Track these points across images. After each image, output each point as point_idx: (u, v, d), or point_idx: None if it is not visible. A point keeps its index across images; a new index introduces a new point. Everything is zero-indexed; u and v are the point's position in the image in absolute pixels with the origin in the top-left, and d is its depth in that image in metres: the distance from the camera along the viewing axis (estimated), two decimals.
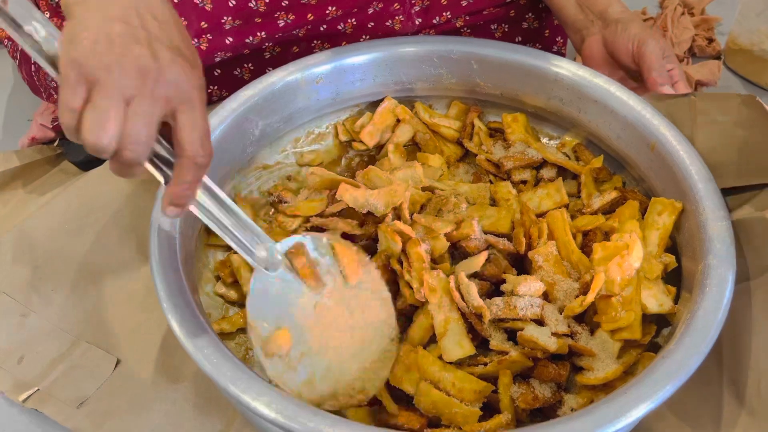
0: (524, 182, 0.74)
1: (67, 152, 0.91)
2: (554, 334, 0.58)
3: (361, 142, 0.79)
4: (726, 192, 0.62)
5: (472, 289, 0.59)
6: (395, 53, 0.77)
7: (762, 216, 0.59)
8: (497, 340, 0.59)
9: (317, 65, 0.75)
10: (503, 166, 0.74)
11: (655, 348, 0.61)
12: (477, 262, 0.62)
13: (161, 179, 0.50)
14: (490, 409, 0.59)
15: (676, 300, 0.62)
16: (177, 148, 0.48)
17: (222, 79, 0.81)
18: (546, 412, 0.59)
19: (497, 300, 0.60)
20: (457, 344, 0.58)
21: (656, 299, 0.59)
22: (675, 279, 0.64)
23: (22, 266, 0.76)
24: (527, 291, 0.59)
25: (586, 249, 0.64)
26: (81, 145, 0.85)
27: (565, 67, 0.73)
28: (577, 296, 0.60)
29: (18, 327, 0.72)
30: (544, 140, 0.79)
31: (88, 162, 0.87)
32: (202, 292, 0.68)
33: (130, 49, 0.45)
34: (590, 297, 0.58)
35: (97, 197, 0.81)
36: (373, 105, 0.81)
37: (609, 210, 0.69)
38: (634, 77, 0.77)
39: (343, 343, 0.58)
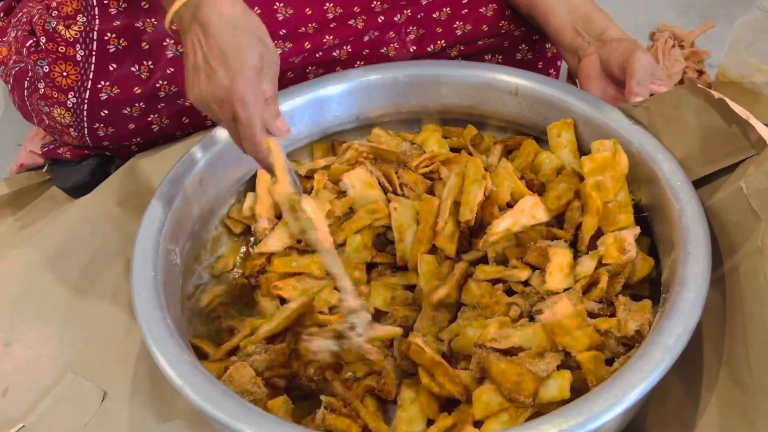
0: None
1: (55, 178, 0.90)
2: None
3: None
4: (700, 183, 0.63)
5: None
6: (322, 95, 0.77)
7: (725, 197, 0.60)
8: None
9: None
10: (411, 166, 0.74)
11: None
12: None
13: None
14: None
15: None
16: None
17: None
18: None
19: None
20: None
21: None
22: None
23: (7, 294, 0.75)
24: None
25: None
26: (69, 171, 0.87)
27: (525, 79, 0.75)
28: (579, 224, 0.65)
29: (2, 357, 0.70)
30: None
31: (77, 188, 0.87)
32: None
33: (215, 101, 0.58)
34: (593, 221, 0.63)
35: (84, 223, 0.81)
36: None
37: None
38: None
39: None
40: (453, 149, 0.78)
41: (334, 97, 0.77)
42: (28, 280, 0.76)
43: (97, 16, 0.73)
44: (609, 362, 0.57)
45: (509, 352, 0.56)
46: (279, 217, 0.73)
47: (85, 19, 0.74)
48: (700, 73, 1.09)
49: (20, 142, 0.97)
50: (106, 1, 0.74)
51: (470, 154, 0.75)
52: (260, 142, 0.58)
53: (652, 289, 0.65)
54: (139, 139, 0.81)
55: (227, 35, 0.57)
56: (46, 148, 0.89)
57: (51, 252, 0.79)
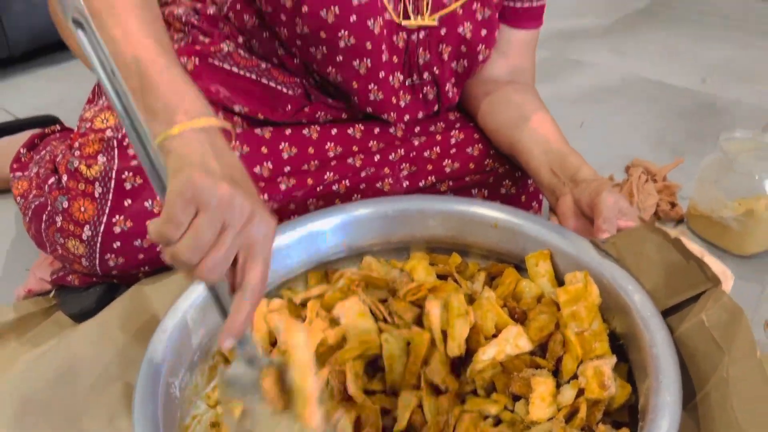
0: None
1: (62, 304, 0.92)
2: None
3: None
4: (671, 311, 0.66)
5: None
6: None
7: (691, 328, 0.63)
8: None
9: None
10: (400, 294, 0.77)
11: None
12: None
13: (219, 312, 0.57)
14: None
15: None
16: (241, 281, 0.55)
17: None
18: None
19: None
20: None
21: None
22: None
23: (3, 418, 0.75)
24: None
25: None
26: (76, 297, 0.90)
27: (504, 213, 0.80)
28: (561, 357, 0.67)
29: None
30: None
31: (83, 315, 0.88)
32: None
33: (231, 188, 0.53)
34: (573, 366, 0.65)
35: (85, 347, 0.81)
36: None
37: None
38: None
39: None
40: (440, 276, 0.81)
41: (327, 230, 0.82)
42: (25, 404, 0.76)
43: (116, 157, 0.79)
44: None
45: None
46: (274, 344, 0.74)
47: (105, 159, 0.79)
48: (673, 205, 1.15)
49: (29, 267, 1.00)
50: (125, 143, 0.80)
51: (456, 280, 0.79)
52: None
53: (632, 414, 0.66)
54: (146, 268, 0.85)
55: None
56: (56, 276, 0.92)
57: (50, 375, 0.79)
